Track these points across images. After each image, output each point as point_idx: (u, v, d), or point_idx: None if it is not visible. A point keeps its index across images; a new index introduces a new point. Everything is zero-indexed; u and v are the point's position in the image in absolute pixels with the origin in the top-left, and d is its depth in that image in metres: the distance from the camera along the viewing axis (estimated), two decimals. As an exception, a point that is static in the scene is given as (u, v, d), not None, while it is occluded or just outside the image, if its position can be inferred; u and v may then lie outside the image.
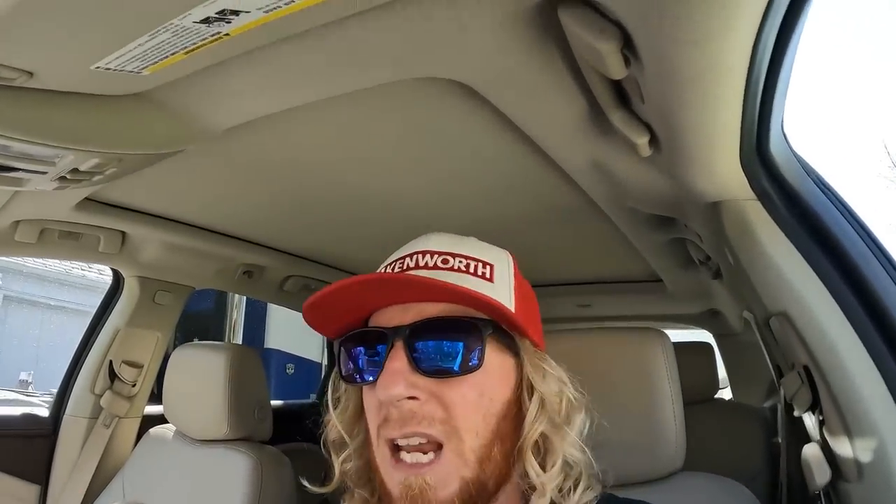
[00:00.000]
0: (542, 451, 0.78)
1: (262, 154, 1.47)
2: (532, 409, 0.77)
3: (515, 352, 0.80)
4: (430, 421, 0.74)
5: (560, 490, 0.77)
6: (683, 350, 2.62)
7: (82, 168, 1.08)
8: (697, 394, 2.59)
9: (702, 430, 2.02)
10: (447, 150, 1.38)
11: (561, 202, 1.64)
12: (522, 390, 0.80)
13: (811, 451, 1.10)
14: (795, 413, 1.19)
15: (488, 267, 0.80)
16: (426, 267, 0.80)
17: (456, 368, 0.75)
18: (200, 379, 1.81)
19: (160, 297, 2.31)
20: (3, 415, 2.26)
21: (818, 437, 1.09)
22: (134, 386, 2.30)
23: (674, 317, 3.42)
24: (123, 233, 1.96)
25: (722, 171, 1.00)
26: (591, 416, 0.85)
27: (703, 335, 3.55)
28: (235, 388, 1.76)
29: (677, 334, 3.68)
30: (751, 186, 1.02)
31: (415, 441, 0.75)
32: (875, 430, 0.92)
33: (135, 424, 2.35)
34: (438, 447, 0.75)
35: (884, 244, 1.07)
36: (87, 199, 1.68)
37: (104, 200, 1.78)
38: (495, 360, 0.78)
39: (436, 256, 0.80)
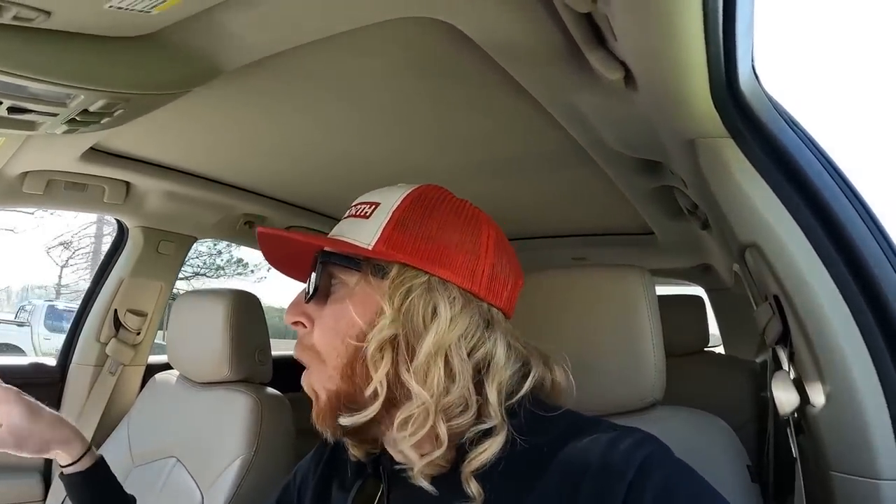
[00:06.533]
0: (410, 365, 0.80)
1: (263, 104, 1.50)
2: (378, 327, 0.80)
3: (383, 278, 0.83)
4: (302, 347, 0.88)
5: (448, 413, 0.79)
6: (674, 302, 2.69)
7: (92, 109, 1.12)
8: (687, 345, 2.65)
9: (690, 380, 2.04)
10: (441, 97, 1.42)
11: (548, 147, 1.67)
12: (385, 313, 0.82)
13: (781, 378, 1.15)
14: (767, 343, 1.23)
15: (373, 206, 0.86)
16: (348, 215, 0.90)
17: (307, 297, 0.87)
18: (203, 323, 1.87)
19: (163, 247, 2.36)
20: (12, 364, 2.35)
21: (788, 368, 1.14)
22: (138, 334, 2.37)
23: (667, 271, 3.46)
24: (128, 183, 2.00)
25: (695, 109, 1.03)
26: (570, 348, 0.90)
27: (697, 294, 3.60)
28: (236, 331, 1.82)
29: (671, 291, 3.74)
30: (723, 124, 1.05)
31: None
32: (840, 355, 0.97)
33: (139, 372, 2.43)
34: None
35: (851, 180, 1.12)
36: (92, 149, 1.73)
37: (109, 150, 1.83)
38: (356, 289, 0.84)
39: (353, 208, 0.89)
